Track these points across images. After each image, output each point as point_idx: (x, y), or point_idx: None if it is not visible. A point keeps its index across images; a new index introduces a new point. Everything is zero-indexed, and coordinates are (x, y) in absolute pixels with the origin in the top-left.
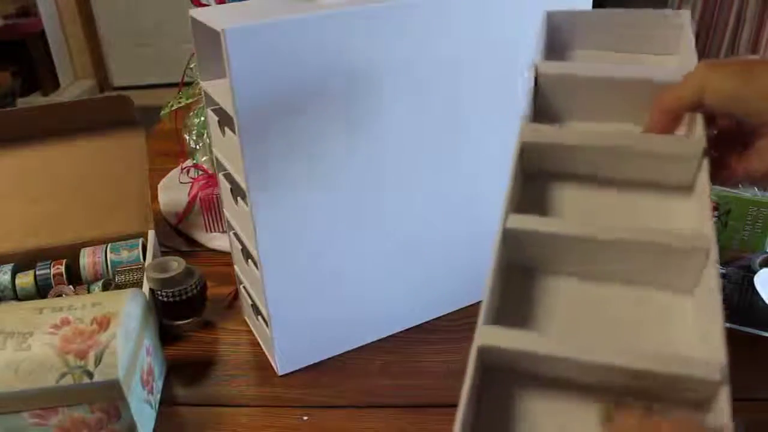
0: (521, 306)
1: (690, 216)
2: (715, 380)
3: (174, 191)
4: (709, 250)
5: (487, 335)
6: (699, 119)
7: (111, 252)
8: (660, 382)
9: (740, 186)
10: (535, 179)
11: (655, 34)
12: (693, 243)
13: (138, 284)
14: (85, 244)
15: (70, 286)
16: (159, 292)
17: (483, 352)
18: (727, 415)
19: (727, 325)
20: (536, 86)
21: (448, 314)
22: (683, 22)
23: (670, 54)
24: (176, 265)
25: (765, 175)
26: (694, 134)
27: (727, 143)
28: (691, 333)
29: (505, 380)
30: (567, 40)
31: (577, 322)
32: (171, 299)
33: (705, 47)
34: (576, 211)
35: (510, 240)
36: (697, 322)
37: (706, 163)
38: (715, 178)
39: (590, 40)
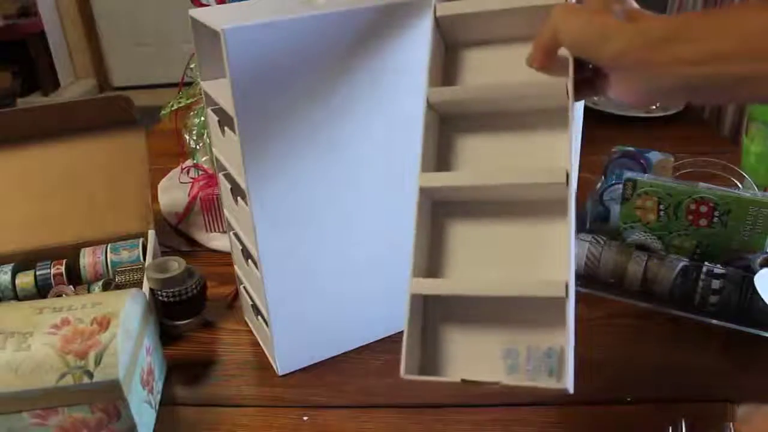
0: (438, 246)
1: (564, 149)
2: (560, 296)
3: (174, 191)
4: (565, 180)
5: (416, 286)
6: (570, 59)
7: (111, 252)
8: (528, 302)
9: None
10: (445, 125)
11: None
12: (554, 178)
13: (138, 284)
14: (85, 244)
15: (70, 286)
16: (159, 292)
17: (414, 296)
18: (570, 332)
19: (727, 325)
20: (438, 25)
21: None
22: None
23: None
24: (176, 265)
25: (625, 100)
26: (569, 72)
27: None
28: (560, 255)
29: (434, 313)
30: None
31: (476, 259)
32: (171, 299)
33: None
34: (477, 157)
35: (426, 192)
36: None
37: (571, 98)
38: (593, 93)
39: None
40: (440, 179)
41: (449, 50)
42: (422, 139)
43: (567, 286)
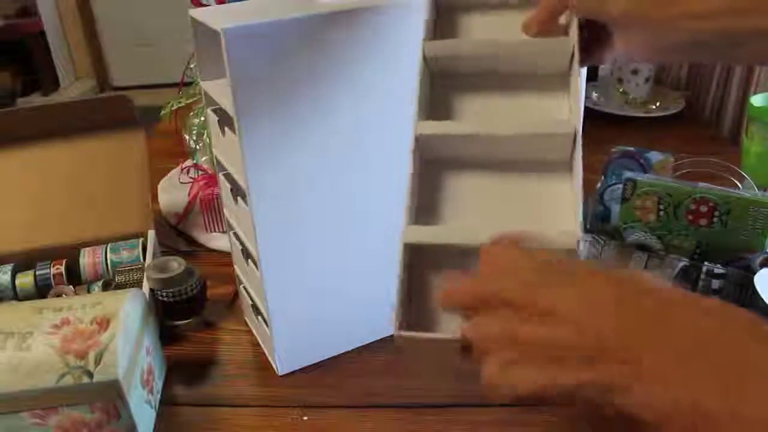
0: (435, 200)
1: (567, 107)
2: (573, 248)
3: (174, 191)
4: (573, 133)
5: (410, 234)
6: (574, 20)
7: (111, 252)
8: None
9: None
10: (440, 83)
11: None
12: (561, 129)
13: (138, 284)
14: (85, 244)
15: (70, 286)
16: (159, 292)
17: (407, 246)
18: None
19: None
20: None
21: None
22: None
23: None
24: (176, 265)
25: (618, 61)
26: (570, 31)
27: (597, 31)
28: (568, 209)
29: (427, 262)
30: None
31: (479, 210)
32: (171, 299)
33: None
34: (475, 112)
35: (422, 143)
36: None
37: (576, 59)
38: (588, 60)
39: None
40: (437, 128)
41: (446, 13)
42: (417, 90)
43: (578, 240)
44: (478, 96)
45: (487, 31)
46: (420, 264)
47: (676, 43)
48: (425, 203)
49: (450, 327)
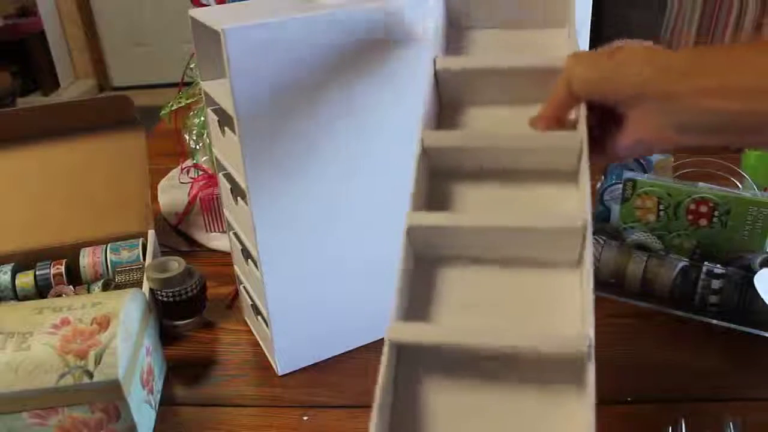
0: (426, 296)
1: (576, 201)
2: (583, 352)
3: (174, 191)
4: (584, 228)
5: (395, 331)
6: (582, 110)
7: (111, 252)
8: (538, 358)
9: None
10: (441, 174)
11: (546, 7)
12: (569, 223)
13: (138, 284)
14: (85, 244)
15: (70, 286)
16: (159, 292)
17: (393, 343)
18: (591, 385)
19: (727, 325)
20: (437, 79)
21: None
22: None
23: (562, 27)
24: (176, 265)
25: (635, 149)
26: (578, 126)
27: (608, 124)
28: (575, 307)
29: (413, 362)
30: (463, 17)
31: (474, 309)
32: (171, 299)
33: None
34: (475, 205)
35: (413, 235)
36: (580, 296)
37: (585, 153)
38: (602, 156)
39: (486, 17)
40: (431, 219)
41: (448, 108)
42: (413, 182)
43: (590, 341)
44: (479, 189)
45: (493, 125)
46: (406, 356)
47: (696, 123)
48: (418, 298)
49: None
